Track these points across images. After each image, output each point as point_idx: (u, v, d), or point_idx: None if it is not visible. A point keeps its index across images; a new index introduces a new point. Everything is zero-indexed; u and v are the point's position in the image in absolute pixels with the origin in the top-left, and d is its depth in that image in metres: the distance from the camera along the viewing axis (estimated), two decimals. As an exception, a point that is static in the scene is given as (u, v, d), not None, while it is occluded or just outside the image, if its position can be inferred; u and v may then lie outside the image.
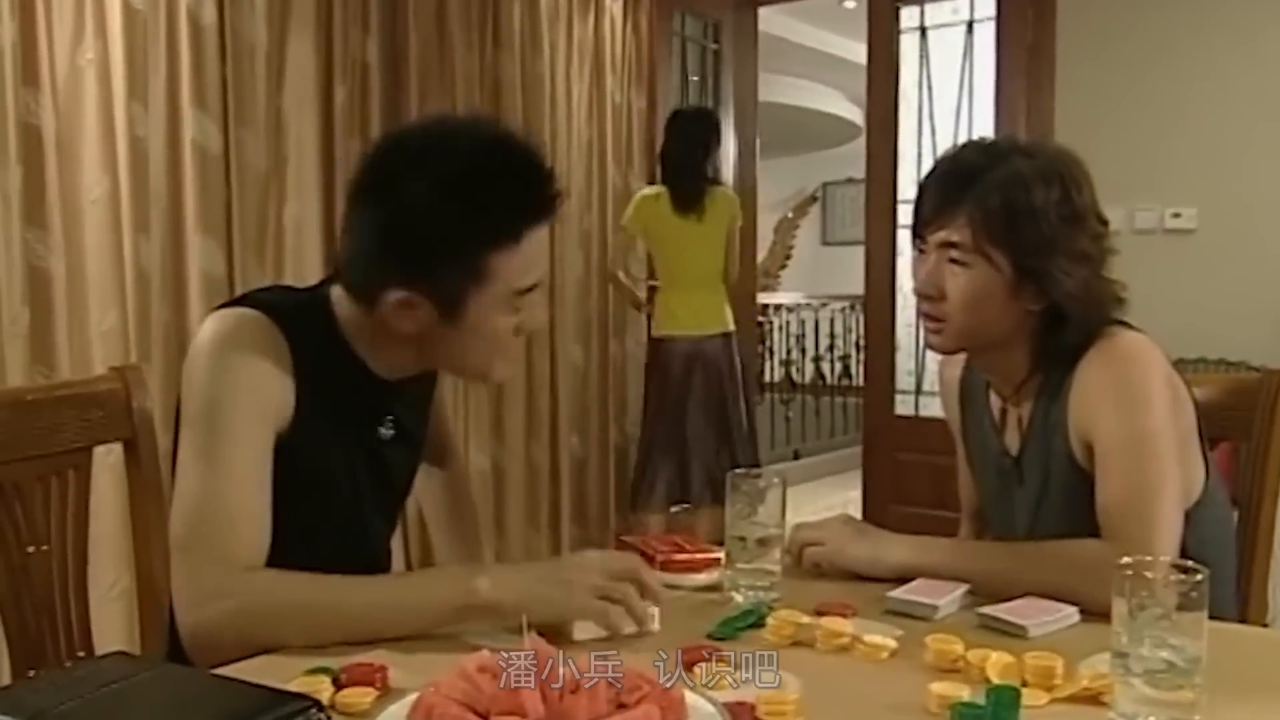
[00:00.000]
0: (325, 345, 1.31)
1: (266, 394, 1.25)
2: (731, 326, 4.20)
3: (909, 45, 4.64)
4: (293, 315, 1.29)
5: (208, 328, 1.27)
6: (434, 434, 1.62)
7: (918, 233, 1.46)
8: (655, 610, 1.22)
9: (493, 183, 1.22)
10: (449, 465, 1.69)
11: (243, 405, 1.23)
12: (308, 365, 1.28)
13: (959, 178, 1.42)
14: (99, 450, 1.55)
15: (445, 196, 1.20)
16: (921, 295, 1.46)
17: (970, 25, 4.50)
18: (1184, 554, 1.26)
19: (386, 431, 1.40)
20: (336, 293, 1.34)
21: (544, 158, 1.26)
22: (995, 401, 1.55)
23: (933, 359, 1.59)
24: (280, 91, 3.47)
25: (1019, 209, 1.37)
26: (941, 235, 1.42)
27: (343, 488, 1.36)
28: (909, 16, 4.63)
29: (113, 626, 2.73)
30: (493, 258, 1.23)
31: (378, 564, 1.48)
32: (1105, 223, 1.44)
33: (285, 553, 1.22)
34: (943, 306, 1.43)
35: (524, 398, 4.33)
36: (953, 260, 1.41)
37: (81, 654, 1.49)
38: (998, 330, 1.44)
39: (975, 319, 1.42)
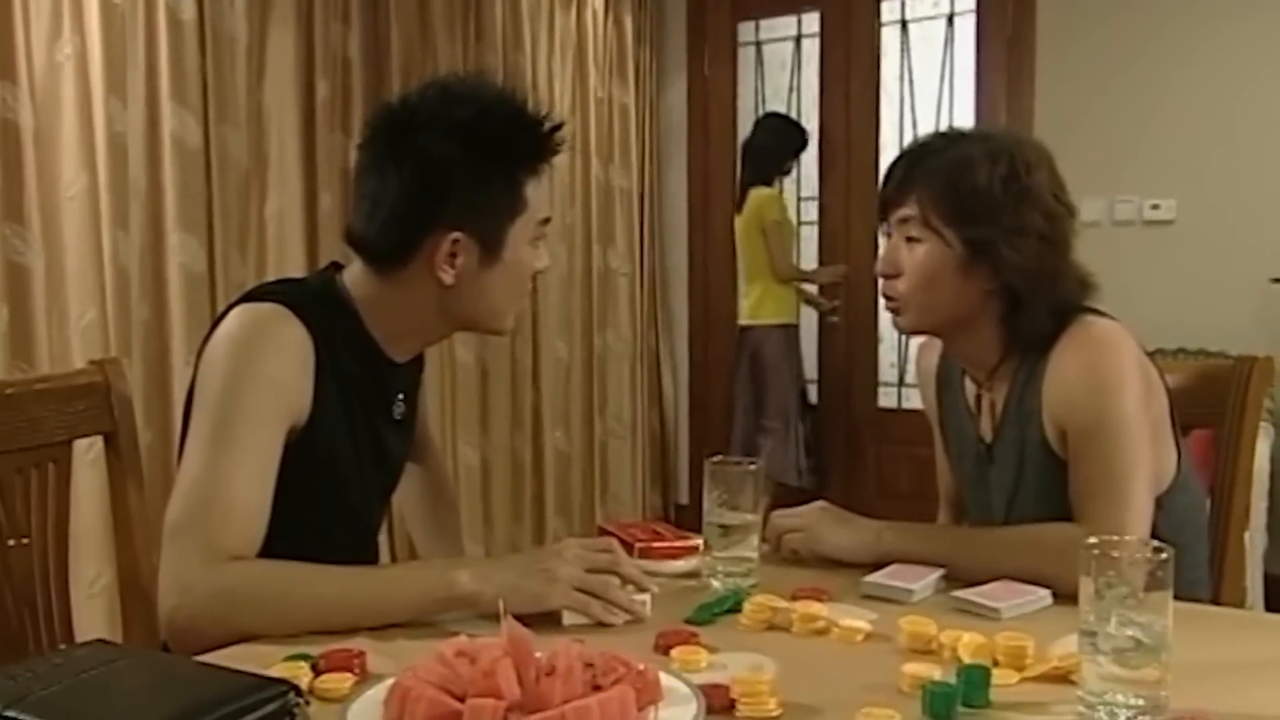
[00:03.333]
0: (345, 332, 1.35)
1: (284, 391, 1.27)
2: (780, 319, 4.45)
3: (890, 38, 4.66)
4: (314, 308, 1.31)
5: (233, 320, 1.29)
6: (417, 427, 1.63)
7: (881, 214, 1.50)
8: (647, 597, 1.23)
9: (513, 125, 1.33)
10: (426, 461, 1.70)
11: (259, 399, 1.24)
12: (329, 355, 1.30)
13: (913, 159, 1.47)
14: (79, 446, 1.55)
15: (478, 142, 1.30)
16: (881, 274, 1.49)
17: (951, 18, 4.51)
18: (1156, 538, 1.27)
19: (399, 410, 1.44)
20: (350, 278, 1.38)
21: (539, 103, 1.38)
22: (970, 388, 1.56)
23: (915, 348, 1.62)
24: (261, 86, 3.46)
25: (962, 185, 1.41)
26: (898, 214, 1.46)
27: (351, 476, 1.38)
28: (890, 10, 4.65)
29: (95, 622, 2.73)
30: (527, 187, 1.33)
31: (371, 552, 1.50)
32: (1068, 207, 1.46)
33: (291, 544, 1.23)
34: (898, 284, 1.47)
35: (509, 391, 4.34)
36: (909, 238, 1.45)
37: (63, 647, 1.49)
38: (955, 309, 1.46)
39: (930, 296, 1.45)
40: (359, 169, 1.36)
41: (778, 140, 4.45)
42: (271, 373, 1.25)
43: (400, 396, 1.45)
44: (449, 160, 1.29)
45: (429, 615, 1.18)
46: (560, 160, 4.59)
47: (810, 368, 4.89)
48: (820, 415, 4.83)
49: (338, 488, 1.36)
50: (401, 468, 1.53)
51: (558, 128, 1.36)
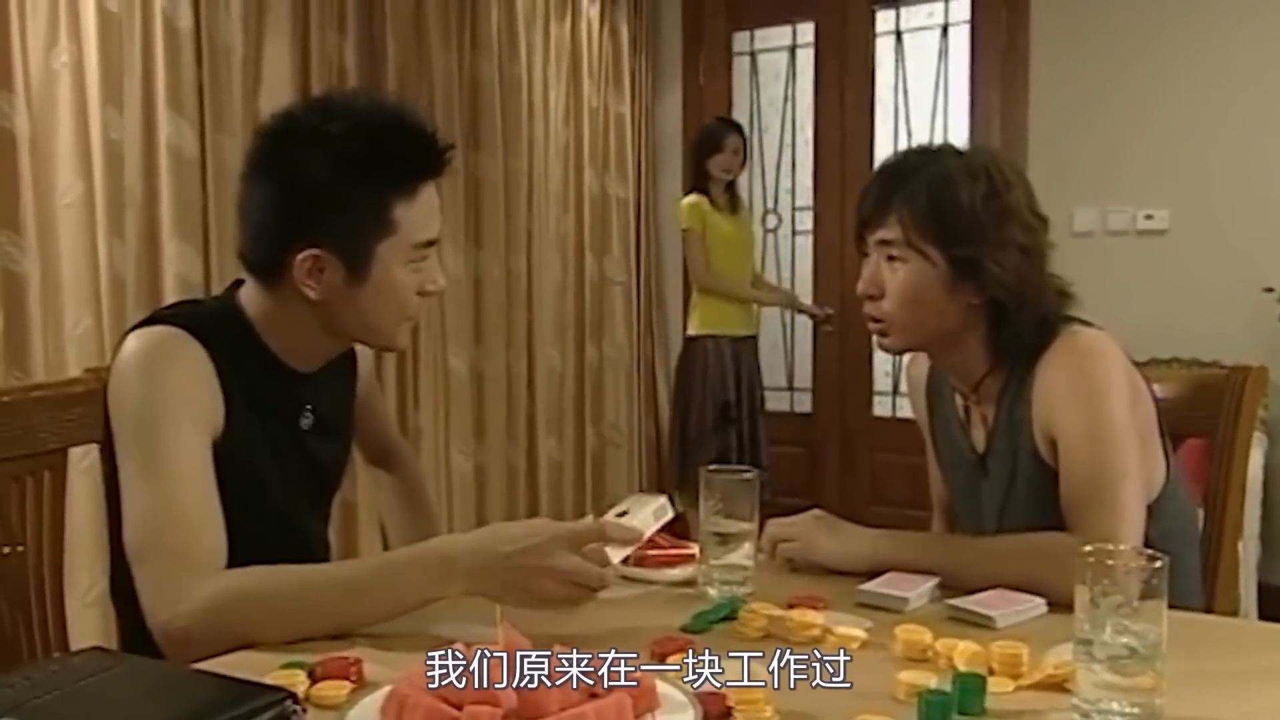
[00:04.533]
0: (241, 347, 1.35)
1: (198, 403, 1.27)
2: (697, 330, 4.33)
3: (884, 48, 4.68)
4: (207, 325, 1.32)
5: (129, 347, 1.29)
6: (373, 435, 1.64)
7: (859, 235, 1.50)
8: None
9: (386, 141, 1.29)
10: (397, 468, 1.70)
11: (177, 416, 1.25)
12: (229, 371, 1.31)
13: (890, 179, 1.46)
14: (74, 454, 1.55)
15: (345, 157, 1.27)
16: (864, 295, 1.49)
17: (945, 29, 4.53)
18: (1148, 546, 1.28)
19: (306, 421, 1.43)
20: (245, 294, 1.39)
21: (427, 121, 1.34)
22: (960, 401, 1.57)
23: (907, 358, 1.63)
24: (257, 95, 3.46)
25: (945, 203, 1.41)
26: (878, 235, 1.46)
27: (275, 485, 1.38)
28: (884, 20, 4.67)
29: (89, 632, 2.71)
30: (395, 209, 1.29)
31: (316, 558, 1.48)
32: (1042, 219, 1.47)
33: (231, 556, 1.23)
34: (882, 305, 1.47)
35: (504, 399, 4.35)
36: (890, 258, 1.45)
37: (58, 655, 1.49)
38: (941, 326, 1.46)
39: (915, 315, 1.45)
40: (241, 180, 1.35)
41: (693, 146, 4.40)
42: (181, 388, 1.26)
43: (309, 408, 1.43)
44: (312, 175, 1.27)
45: (419, 608, 1.19)
46: (554, 169, 4.58)
47: (805, 376, 4.90)
48: (815, 423, 4.83)
49: (264, 497, 1.36)
50: (332, 469, 1.53)
51: (438, 149, 1.32)
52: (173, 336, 1.29)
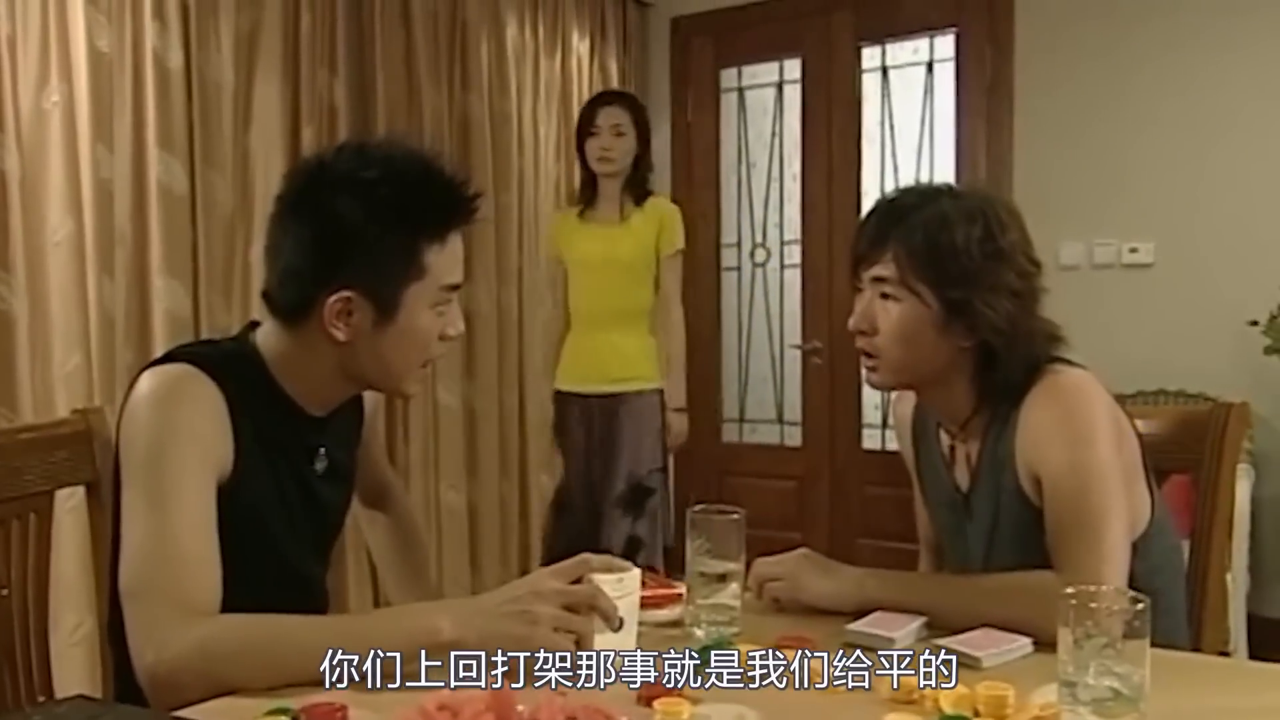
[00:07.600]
0: (256, 389, 1.35)
1: (207, 444, 1.28)
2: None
3: (871, 84, 4.72)
4: (222, 365, 1.32)
5: (144, 384, 1.30)
6: (370, 476, 1.64)
7: (854, 270, 1.51)
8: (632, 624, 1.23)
9: (420, 189, 1.33)
10: (390, 508, 1.70)
11: (185, 455, 1.25)
12: (242, 412, 1.31)
13: (888, 217, 1.47)
14: (59, 494, 1.55)
15: (379, 203, 1.29)
16: (856, 330, 1.50)
17: (930, 65, 4.58)
18: (1133, 584, 1.29)
19: (320, 465, 1.44)
20: (261, 334, 1.40)
21: (459, 170, 1.37)
22: (945, 438, 1.58)
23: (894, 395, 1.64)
24: (247, 133, 3.48)
25: (941, 245, 1.42)
26: (872, 272, 1.47)
27: (281, 529, 1.38)
28: (870, 56, 4.71)
29: (74, 671, 2.70)
30: (426, 253, 1.32)
31: (316, 603, 1.48)
32: (1036, 263, 1.48)
33: (227, 596, 1.23)
34: (875, 341, 1.48)
35: (496, 435, 4.34)
36: (884, 295, 1.46)
37: (42, 699, 1.48)
38: (932, 366, 1.47)
39: (907, 353, 1.46)
40: (270, 222, 1.37)
41: None
42: (192, 427, 1.27)
43: (321, 451, 1.44)
44: (347, 219, 1.29)
45: (409, 664, 1.18)
46: (546, 204, 4.57)
47: (794, 409, 4.91)
48: (804, 457, 4.84)
49: (269, 540, 1.37)
50: (338, 519, 1.53)
51: (469, 197, 1.35)
52: (187, 375, 1.29)
